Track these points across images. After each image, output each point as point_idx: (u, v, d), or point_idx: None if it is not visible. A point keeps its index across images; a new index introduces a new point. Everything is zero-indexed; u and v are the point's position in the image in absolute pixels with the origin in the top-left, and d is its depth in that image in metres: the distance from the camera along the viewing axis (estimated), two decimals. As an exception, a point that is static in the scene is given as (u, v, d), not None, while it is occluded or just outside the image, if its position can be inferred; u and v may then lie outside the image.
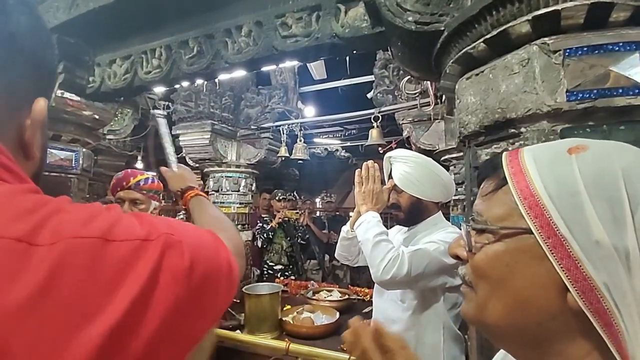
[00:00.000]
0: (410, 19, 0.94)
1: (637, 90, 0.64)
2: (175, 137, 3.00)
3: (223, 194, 3.17)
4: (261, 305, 2.19)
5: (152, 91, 2.44)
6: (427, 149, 2.60)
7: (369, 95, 2.86)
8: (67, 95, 1.69)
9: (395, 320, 1.21)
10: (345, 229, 1.40)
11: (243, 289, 2.27)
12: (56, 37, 1.55)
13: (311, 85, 3.44)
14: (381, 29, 1.08)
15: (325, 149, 4.96)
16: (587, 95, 0.67)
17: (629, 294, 0.30)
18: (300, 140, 2.97)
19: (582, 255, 0.31)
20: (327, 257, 4.16)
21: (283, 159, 3.10)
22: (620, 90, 0.65)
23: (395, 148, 3.19)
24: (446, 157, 2.50)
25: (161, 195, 1.90)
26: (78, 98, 1.72)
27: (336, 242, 4.26)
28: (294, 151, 3.02)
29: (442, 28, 0.90)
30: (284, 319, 2.26)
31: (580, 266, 0.31)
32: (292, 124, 2.94)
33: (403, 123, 2.62)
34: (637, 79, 0.64)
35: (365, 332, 0.51)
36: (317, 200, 7.81)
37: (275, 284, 2.44)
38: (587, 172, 0.32)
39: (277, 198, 3.58)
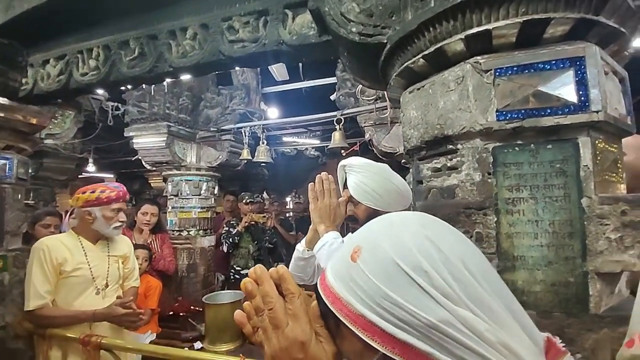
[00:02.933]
0: (354, 29, 0.91)
1: (566, 110, 0.66)
2: (128, 139, 2.82)
3: (183, 199, 3.04)
4: (222, 315, 2.11)
5: (95, 92, 2.27)
6: (388, 151, 2.64)
7: (332, 98, 2.85)
8: (-1, 99, 1.52)
9: None
10: (300, 248, 1.32)
11: (203, 299, 2.19)
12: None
13: (274, 85, 3.37)
14: (328, 37, 1.05)
15: (295, 148, 4.91)
16: (516, 115, 0.68)
17: None
18: (263, 143, 2.90)
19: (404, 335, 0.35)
20: (294, 258, 4.13)
21: (246, 162, 3.01)
22: (549, 110, 0.66)
23: (358, 150, 3.20)
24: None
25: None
26: (9, 102, 1.55)
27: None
28: (256, 154, 2.94)
29: (385, 41, 0.89)
30: (246, 326, 2.21)
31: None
32: (254, 125, 2.86)
33: (365, 126, 2.63)
34: (567, 97, 0.66)
35: (267, 277, 0.49)
36: (288, 199, 7.75)
37: (237, 292, 2.37)
38: (376, 272, 0.37)
39: (244, 201, 3.48)
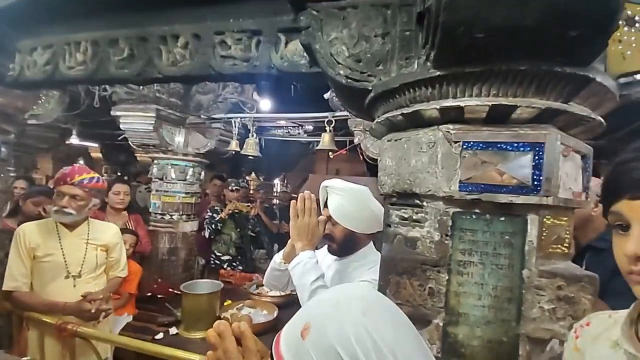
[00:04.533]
0: (341, 72, 0.94)
1: (520, 190, 0.72)
2: (113, 119, 2.78)
3: (168, 183, 3.05)
4: (198, 305, 2.20)
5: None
6: (376, 157, 2.69)
7: (325, 96, 2.85)
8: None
9: None
10: (277, 259, 1.40)
11: (181, 287, 2.25)
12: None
13: (269, 76, 3.32)
14: (318, 69, 1.07)
15: (287, 132, 4.90)
16: (475, 189, 0.73)
17: None
18: (253, 136, 2.90)
19: None
20: (276, 246, 4.23)
21: (233, 153, 3.01)
22: (504, 189, 0.72)
23: (346, 155, 3.23)
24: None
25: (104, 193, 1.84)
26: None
27: (286, 233, 4.32)
28: (245, 146, 2.95)
29: (370, 88, 0.92)
30: (222, 315, 2.30)
31: None
32: (245, 117, 2.85)
33: (355, 130, 2.66)
34: (522, 179, 0.71)
35: (229, 334, 0.57)
36: (276, 181, 7.79)
37: (215, 282, 2.45)
38: (318, 354, 0.44)
39: (230, 188, 3.51)
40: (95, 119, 3.12)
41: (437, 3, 0.61)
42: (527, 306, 0.73)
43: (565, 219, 0.79)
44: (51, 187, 3.03)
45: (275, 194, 6.22)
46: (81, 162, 6.52)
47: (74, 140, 3.97)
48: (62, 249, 1.65)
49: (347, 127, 2.90)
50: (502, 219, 0.74)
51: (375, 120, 0.97)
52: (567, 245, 0.80)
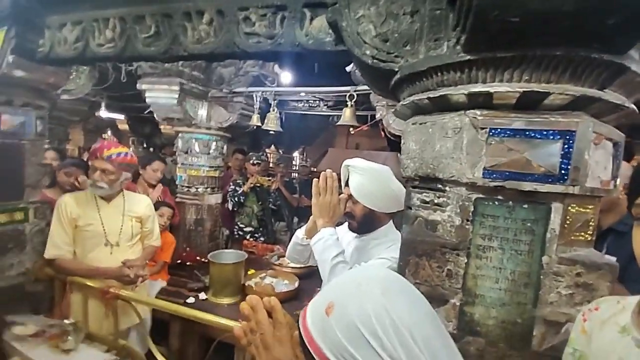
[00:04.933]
0: (367, 52, 0.92)
1: (546, 178, 0.71)
2: (139, 93, 2.84)
3: (193, 156, 3.14)
4: (225, 273, 2.34)
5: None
6: (397, 134, 2.64)
7: (347, 69, 2.77)
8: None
9: None
10: (299, 234, 1.45)
11: (208, 256, 2.40)
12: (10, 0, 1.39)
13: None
14: (344, 47, 1.05)
15: (308, 105, 4.85)
16: (499, 176, 0.73)
17: None
18: (274, 110, 2.90)
19: None
20: (296, 219, 4.35)
21: (255, 127, 3.04)
22: (529, 177, 0.72)
23: (366, 130, 3.18)
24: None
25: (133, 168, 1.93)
26: (27, 62, 1.59)
27: (306, 206, 4.39)
28: (266, 121, 2.97)
29: (397, 69, 0.90)
30: (246, 283, 2.45)
31: None
32: (266, 91, 2.84)
33: (377, 105, 2.61)
34: (549, 168, 0.71)
35: (260, 307, 0.63)
36: (295, 154, 7.83)
37: (240, 252, 2.58)
38: (343, 330, 0.47)
39: (251, 162, 3.59)
40: (122, 92, 3.21)
41: (471, -15, 0.59)
42: (544, 291, 0.75)
43: (591, 207, 0.78)
44: (84, 159, 3.21)
45: (294, 168, 6.28)
46: (109, 132, 6.79)
47: (102, 112, 4.11)
48: (100, 219, 1.78)
49: (369, 101, 2.84)
50: (525, 206, 0.75)
51: (401, 103, 0.96)
52: (591, 232, 0.80)
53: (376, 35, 0.91)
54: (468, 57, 0.71)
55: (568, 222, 0.74)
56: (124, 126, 6.45)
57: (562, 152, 0.69)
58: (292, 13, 1.13)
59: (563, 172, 0.69)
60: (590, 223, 0.79)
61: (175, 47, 1.31)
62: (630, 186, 0.54)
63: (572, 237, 0.76)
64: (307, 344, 0.51)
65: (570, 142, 0.69)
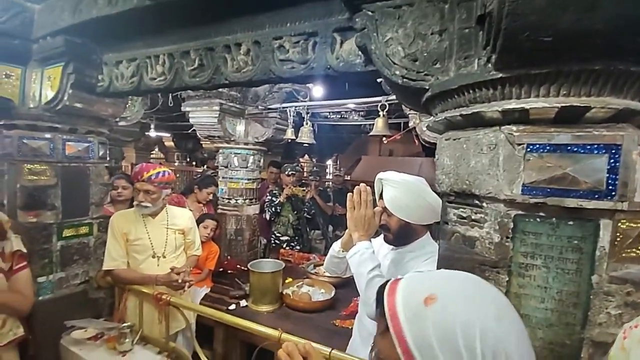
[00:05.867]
0: (397, 72, 0.95)
1: (592, 194, 0.69)
2: (183, 113, 3.08)
3: (232, 170, 3.32)
4: (264, 282, 2.42)
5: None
6: (431, 141, 2.60)
7: (379, 80, 2.79)
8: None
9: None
10: (336, 247, 1.48)
11: (249, 265, 2.50)
12: (63, 39, 1.60)
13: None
14: (374, 68, 1.08)
15: (341, 116, 4.91)
16: (540, 193, 0.72)
17: None
18: (307, 124, 2.99)
19: None
20: (330, 228, 4.39)
21: (289, 140, 3.15)
22: (573, 193, 0.70)
23: (400, 139, 3.15)
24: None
25: (172, 184, 2.09)
26: (88, 95, 1.80)
27: (340, 215, 4.39)
28: (300, 134, 3.06)
29: (427, 87, 0.92)
30: (284, 292, 2.51)
31: None
32: (299, 106, 2.94)
33: (410, 113, 2.59)
34: (594, 184, 0.68)
35: (296, 354, 0.68)
36: (328, 162, 7.89)
37: (277, 261, 2.66)
38: (437, 327, 0.44)
39: (286, 173, 3.71)
40: (168, 114, 3.48)
41: (499, 8, 0.60)
42: (594, 311, 0.71)
43: (644, 221, 0.74)
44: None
45: (328, 176, 6.34)
46: (157, 149, 7.34)
47: (151, 132, 4.48)
48: (147, 233, 1.95)
49: (401, 109, 2.83)
50: (571, 223, 0.72)
51: (433, 119, 0.97)
52: (647, 248, 0.75)
53: (405, 56, 0.93)
54: (500, 75, 0.71)
55: (619, 239, 0.70)
56: (169, 143, 6.96)
57: (609, 167, 0.67)
58: (323, 38, 1.19)
59: (610, 187, 0.67)
60: (645, 237, 0.74)
61: (218, 77, 1.43)
62: None
63: (624, 254, 0.72)
64: (387, 314, 0.49)
65: (616, 155, 0.66)
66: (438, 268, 0.91)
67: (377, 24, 0.97)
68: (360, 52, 1.11)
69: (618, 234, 0.70)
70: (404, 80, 0.95)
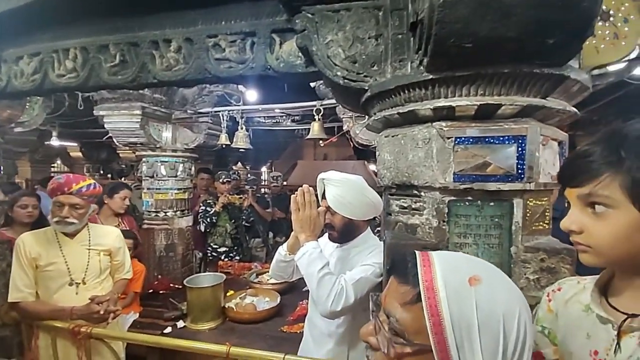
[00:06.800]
0: (339, 73, 0.99)
1: (506, 178, 0.81)
2: (95, 118, 2.72)
3: (159, 180, 3.04)
4: (204, 297, 2.27)
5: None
6: (365, 143, 2.77)
7: (312, 85, 2.86)
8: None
9: (330, 334, 1.38)
10: (282, 252, 1.46)
11: (185, 282, 2.31)
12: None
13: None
14: (315, 69, 1.11)
15: (276, 121, 4.87)
16: (468, 179, 0.82)
17: None
18: (242, 128, 2.91)
19: None
20: (270, 234, 4.31)
21: (224, 146, 3.02)
22: (493, 178, 0.81)
23: (333, 142, 3.29)
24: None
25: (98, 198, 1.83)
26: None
27: (279, 219, 4.33)
28: (235, 139, 2.96)
29: (366, 87, 0.98)
30: (227, 305, 2.38)
31: None
32: (233, 110, 2.84)
33: (343, 117, 2.71)
34: (508, 169, 0.81)
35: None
36: (263, 169, 7.75)
37: (217, 274, 2.52)
38: (482, 308, 0.44)
39: (220, 180, 3.53)
40: (76, 119, 3.04)
41: (429, 17, 0.67)
42: (515, 278, 0.84)
43: (545, 199, 0.90)
44: (34, 189, 2.97)
45: (264, 183, 6.23)
46: (59, 161, 6.33)
47: (54, 141, 3.85)
48: (64, 256, 1.66)
49: (335, 114, 2.94)
50: (492, 204, 0.84)
51: (372, 117, 1.04)
52: (548, 221, 0.91)
53: (345, 58, 0.98)
54: (431, 76, 0.80)
55: (528, 214, 0.84)
56: (76, 153, 6.05)
57: (517, 154, 0.80)
58: (262, 39, 1.18)
59: (520, 171, 0.80)
60: (546, 213, 0.90)
61: (144, 75, 1.30)
62: (558, 178, 0.61)
63: (533, 227, 0.86)
64: (423, 286, 0.47)
65: (523, 145, 0.79)
66: (385, 256, 0.96)
67: (317, 26, 1.00)
68: (300, 54, 1.13)
69: (527, 211, 0.84)
70: (345, 81, 1.00)
